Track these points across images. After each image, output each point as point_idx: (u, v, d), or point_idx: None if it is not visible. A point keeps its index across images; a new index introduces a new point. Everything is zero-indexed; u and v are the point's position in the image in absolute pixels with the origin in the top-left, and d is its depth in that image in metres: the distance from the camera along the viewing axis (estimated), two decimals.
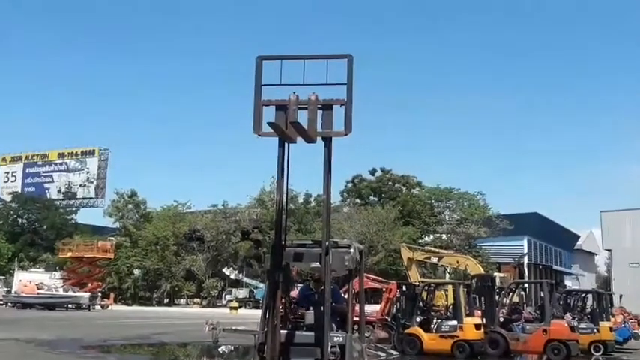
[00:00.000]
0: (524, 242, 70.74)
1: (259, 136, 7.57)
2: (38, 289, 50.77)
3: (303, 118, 7.36)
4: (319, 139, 7.56)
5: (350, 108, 7.47)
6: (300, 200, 68.21)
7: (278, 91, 7.56)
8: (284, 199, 7.90)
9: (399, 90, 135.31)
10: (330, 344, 7.55)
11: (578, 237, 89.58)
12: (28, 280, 53.87)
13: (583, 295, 26.59)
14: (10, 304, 49.56)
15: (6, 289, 55.31)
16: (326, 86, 7.55)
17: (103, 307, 52.55)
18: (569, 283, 73.78)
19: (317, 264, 7.84)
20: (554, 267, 78.53)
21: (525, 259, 68.91)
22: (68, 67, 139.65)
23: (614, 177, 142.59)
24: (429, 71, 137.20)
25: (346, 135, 7.50)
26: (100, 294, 56.03)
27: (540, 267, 73.34)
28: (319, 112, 7.52)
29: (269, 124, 7.36)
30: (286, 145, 7.59)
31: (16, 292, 52.15)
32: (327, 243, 7.73)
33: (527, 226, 69.02)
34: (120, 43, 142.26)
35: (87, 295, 51.38)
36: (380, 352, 19.57)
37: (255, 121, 7.56)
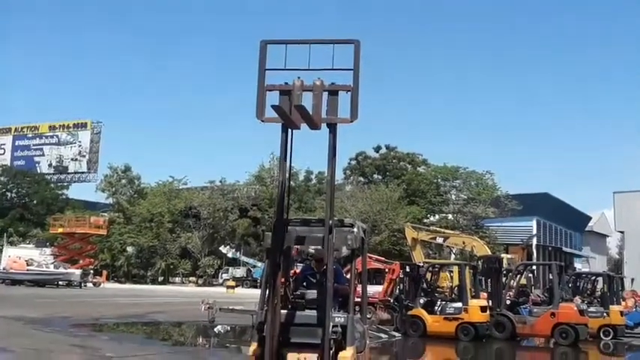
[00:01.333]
0: (534, 223, 70.77)
1: (263, 121, 7.56)
2: (28, 265, 50.92)
3: (307, 103, 7.35)
4: (324, 125, 7.56)
5: (356, 94, 7.46)
6: (301, 178, 68.22)
7: (282, 76, 7.54)
8: (287, 184, 7.90)
9: (405, 66, 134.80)
10: (331, 324, 7.62)
11: (589, 218, 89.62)
12: (18, 256, 53.94)
13: (593, 278, 26.74)
14: None
15: None
16: (332, 72, 7.53)
17: (95, 284, 52.82)
18: (579, 265, 74.03)
19: (319, 246, 7.89)
20: (564, 249, 78.71)
21: (534, 241, 68.98)
22: (59, 35, 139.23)
23: (628, 157, 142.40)
24: (436, 47, 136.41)
25: (352, 122, 7.50)
26: (92, 271, 56.37)
27: (550, 249, 73.48)
28: (324, 98, 7.51)
29: (273, 107, 7.35)
30: (289, 130, 7.60)
31: (4, 269, 52.27)
32: (330, 222, 7.76)
33: (537, 207, 69.00)
34: (114, 13, 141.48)
35: (78, 272, 51.62)
36: (382, 334, 19.73)
37: (258, 106, 7.55)
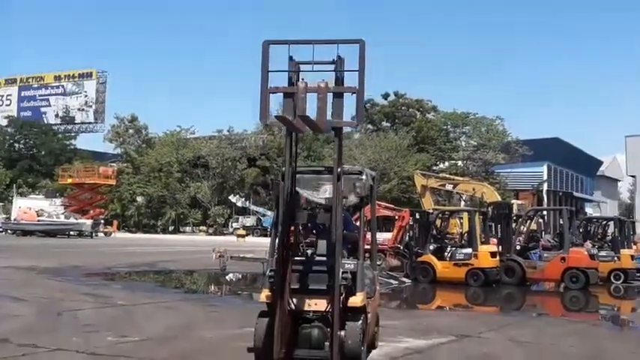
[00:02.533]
0: (544, 169, 70.72)
1: (267, 124, 7.55)
2: (38, 216, 51.40)
3: (311, 101, 7.25)
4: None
5: (361, 96, 7.32)
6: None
7: (285, 76, 7.40)
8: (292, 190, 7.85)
9: (414, 12, 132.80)
10: (341, 271, 7.70)
11: (601, 163, 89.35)
12: (28, 206, 54.43)
13: (604, 222, 26.77)
14: (9, 231, 50.42)
15: (5, 216, 56.16)
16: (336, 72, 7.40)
17: (106, 234, 53.38)
18: (590, 210, 74.16)
19: (328, 194, 7.93)
20: (575, 194, 78.70)
21: (545, 186, 69.06)
22: None
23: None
24: None
25: (357, 126, 7.44)
26: (102, 221, 56.78)
27: (560, 194, 73.49)
28: (329, 101, 7.40)
29: (276, 117, 7.29)
30: (294, 134, 7.54)
31: (15, 220, 52.85)
32: (338, 170, 7.78)
33: (548, 152, 68.79)
34: None
35: (89, 222, 52.12)
36: (392, 280, 19.93)
37: (261, 109, 7.47)
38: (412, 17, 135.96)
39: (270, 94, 7.33)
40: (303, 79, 7.33)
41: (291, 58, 7.47)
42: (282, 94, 7.34)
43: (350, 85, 7.38)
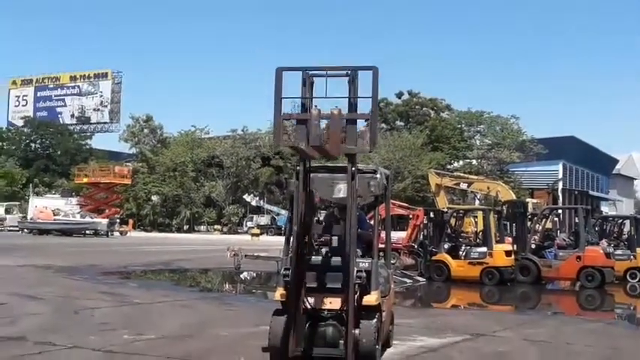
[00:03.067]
0: (560, 167, 70.33)
1: (282, 147, 7.62)
2: (54, 215, 51.66)
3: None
4: None
5: (375, 123, 7.46)
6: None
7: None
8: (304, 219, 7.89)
9: (427, 11, 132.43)
10: (355, 270, 7.72)
11: (617, 161, 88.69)
12: (44, 206, 54.73)
13: (620, 221, 26.62)
14: (25, 230, 50.61)
15: (21, 215, 56.37)
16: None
17: (121, 233, 53.54)
18: (605, 209, 73.65)
19: (342, 194, 7.95)
20: (591, 192, 78.23)
21: (560, 185, 68.55)
22: None
23: None
24: None
25: (370, 152, 7.50)
26: (118, 220, 56.90)
27: (576, 193, 73.03)
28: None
29: (290, 147, 7.43)
30: (307, 160, 7.62)
31: (31, 219, 53.09)
32: (352, 169, 7.80)
33: (563, 151, 68.41)
34: None
35: (105, 221, 52.27)
36: (406, 279, 19.91)
37: (276, 134, 7.53)
38: (426, 14, 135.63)
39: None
40: (316, 106, 7.38)
41: (304, 82, 7.55)
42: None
43: (363, 112, 7.45)
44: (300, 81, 7.45)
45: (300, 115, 7.45)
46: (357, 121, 7.44)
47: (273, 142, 7.63)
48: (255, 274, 21.85)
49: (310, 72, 7.44)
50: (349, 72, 7.38)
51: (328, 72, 7.47)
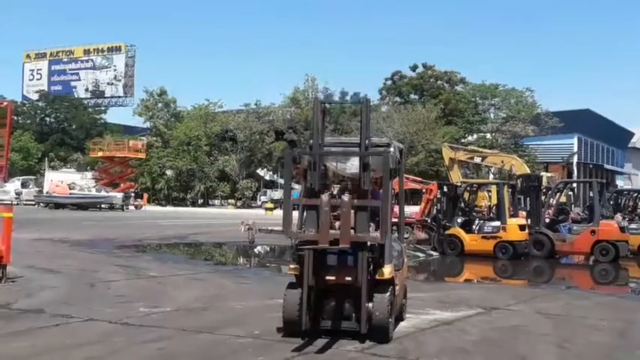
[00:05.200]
0: (575, 140, 69.76)
1: (290, 236, 7.81)
2: (70, 189, 51.90)
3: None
4: None
5: (386, 211, 7.56)
6: (336, 98, 67.85)
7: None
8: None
9: None
10: (369, 243, 7.73)
11: (632, 134, 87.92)
12: (60, 180, 54.90)
13: (635, 194, 26.50)
14: (41, 204, 50.95)
15: (37, 189, 56.62)
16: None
17: (136, 207, 53.84)
18: (620, 182, 73.18)
19: (355, 168, 7.95)
20: (606, 166, 77.75)
21: (575, 158, 68.19)
22: None
23: None
24: None
25: (381, 240, 7.55)
26: (133, 194, 57.18)
27: (591, 166, 72.60)
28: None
29: (301, 248, 7.59)
30: (324, 108, 7.79)
31: (47, 193, 53.36)
32: (366, 142, 7.78)
33: (578, 124, 67.79)
34: None
35: (120, 195, 52.55)
36: (419, 253, 19.94)
37: (285, 221, 7.77)
38: None
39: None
40: (326, 194, 7.55)
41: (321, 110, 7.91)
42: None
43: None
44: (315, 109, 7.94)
45: (309, 200, 7.63)
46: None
47: (282, 228, 7.80)
48: (268, 248, 21.95)
49: (324, 102, 7.87)
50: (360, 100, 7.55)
51: (338, 103, 7.83)
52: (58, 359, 7.05)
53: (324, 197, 7.51)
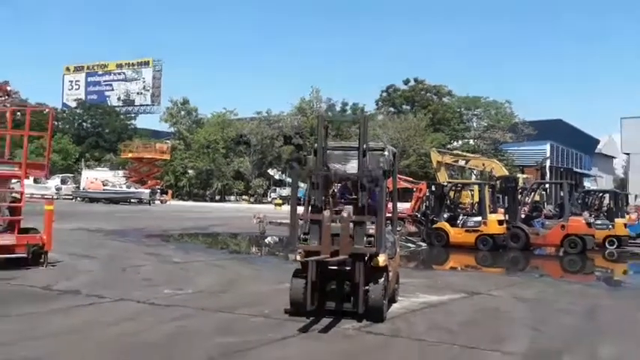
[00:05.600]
0: (547, 147, 69.58)
1: (296, 250, 7.81)
2: (104, 185, 51.96)
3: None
4: None
5: (380, 230, 7.60)
6: (338, 108, 67.92)
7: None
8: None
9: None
10: (365, 235, 7.74)
11: (598, 142, 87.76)
12: (94, 177, 55.03)
13: (600, 194, 26.45)
14: (78, 198, 51.06)
15: (75, 185, 56.75)
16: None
17: (162, 202, 53.79)
18: (588, 184, 72.90)
19: (354, 169, 7.99)
20: (575, 169, 77.49)
21: (547, 162, 68.07)
22: None
23: (636, 83, 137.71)
24: None
25: (377, 255, 7.60)
26: (159, 190, 57.18)
27: (561, 169, 72.41)
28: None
29: (303, 262, 7.65)
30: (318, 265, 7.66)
31: (83, 188, 53.52)
32: (364, 147, 7.80)
33: (551, 132, 67.67)
34: None
35: (147, 191, 52.49)
36: (410, 244, 19.95)
37: (291, 239, 7.85)
38: (430, 9, 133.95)
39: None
40: (328, 210, 7.70)
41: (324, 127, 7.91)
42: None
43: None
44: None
45: (313, 215, 7.68)
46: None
47: (288, 244, 7.97)
48: (277, 239, 21.95)
49: (325, 119, 8.10)
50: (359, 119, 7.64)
51: (338, 121, 7.92)
52: (92, 335, 7.07)
53: (326, 214, 7.61)
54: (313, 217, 7.69)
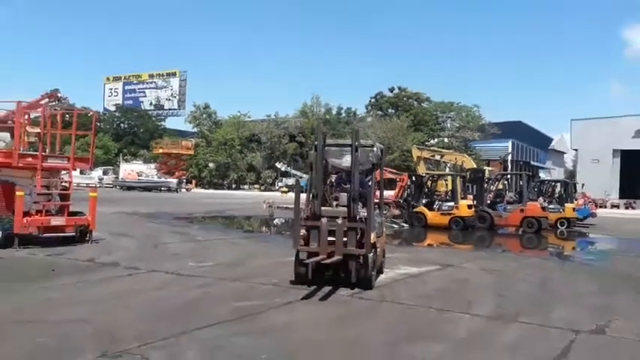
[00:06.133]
0: (509, 144, 69.36)
1: (299, 250, 7.77)
2: (138, 176, 52.06)
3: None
4: None
5: (369, 235, 7.58)
6: (334, 112, 67.71)
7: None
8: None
9: (413, 18, 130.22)
10: (357, 217, 7.74)
11: (551, 140, 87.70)
12: (131, 169, 55.17)
13: (553, 183, 26.49)
14: (117, 187, 51.09)
15: (114, 176, 56.85)
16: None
17: (187, 190, 53.79)
18: (543, 175, 72.75)
19: (348, 162, 7.98)
20: (532, 163, 77.27)
21: (509, 157, 67.91)
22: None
23: (584, 90, 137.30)
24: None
25: (365, 254, 7.60)
26: (184, 180, 57.23)
27: (521, 163, 72.20)
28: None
29: (302, 263, 7.72)
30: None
31: (122, 178, 53.61)
32: (356, 144, 7.80)
33: (512, 132, 67.57)
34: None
35: (175, 181, 52.57)
36: (394, 225, 19.97)
37: (294, 240, 7.77)
38: (412, 21, 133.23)
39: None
40: (326, 220, 7.60)
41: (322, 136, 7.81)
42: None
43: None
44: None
45: (313, 222, 7.67)
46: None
47: (293, 246, 7.80)
48: (284, 220, 21.98)
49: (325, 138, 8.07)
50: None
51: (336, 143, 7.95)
52: (129, 299, 7.09)
53: (324, 220, 7.59)
54: (313, 224, 7.66)
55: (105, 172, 56.26)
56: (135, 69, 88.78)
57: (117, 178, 55.28)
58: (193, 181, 61.10)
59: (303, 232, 7.71)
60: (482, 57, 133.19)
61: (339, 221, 7.57)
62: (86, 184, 36.24)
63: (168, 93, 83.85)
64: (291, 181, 63.37)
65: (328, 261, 7.45)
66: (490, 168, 38.32)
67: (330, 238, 7.56)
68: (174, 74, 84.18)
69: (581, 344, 5.75)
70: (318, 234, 7.57)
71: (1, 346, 5.04)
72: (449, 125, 65.72)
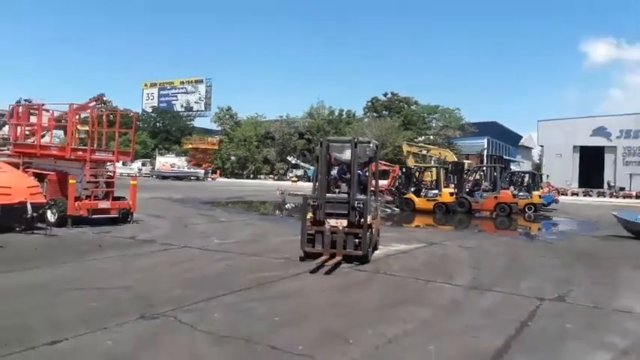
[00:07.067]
0: (485, 141, 68.99)
1: (305, 250, 7.71)
2: (171, 167, 52.18)
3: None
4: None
5: (365, 239, 7.55)
6: (336, 113, 67.51)
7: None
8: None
9: (406, 32, 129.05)
10: (356, 202, 7.73)
11: (521, 137, 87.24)
12: (165, 161, 55.29)
13: (522, 174, 26.36)
14: (154, 176, 51.30)
15: (151, 167, 57.05)
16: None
17: (212, 179, 53.93)
18: (514, 167, 72.34)
19: (349, 156, 7.96)
20: (505, 157, 76.82)
21: (485, 152, 67.65)
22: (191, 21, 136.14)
23: (549, 95, 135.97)
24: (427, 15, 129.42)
25: (362, 255, 7.59)
26: (210, 171, 57.34)
27: (495, 157, 71.81)
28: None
29: (306, 252, 7.68)
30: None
31: (157, 169, 53.75)
32: (355, 140, 7.78)
33: (488, 130, 67.26)
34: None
35: (202, 171, 52.73)
36: (387, 209, 19.94)
37: (302, 241, 7.72)
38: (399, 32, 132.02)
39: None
40: (328, 222, 7.59)
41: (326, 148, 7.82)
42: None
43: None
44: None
45: (318, 227, 7.63)
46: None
47: (300, 247, 7.79)
48: (294, 205, 21.98)
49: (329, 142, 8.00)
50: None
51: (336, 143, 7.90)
52: (165, 270, 7.14)
53: (327, 226, 7.57)
54: (317, 229, 7.65)
55: (143, 164, 56.37)
56: (168, 77, 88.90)
57: (153, 169, 55.40)
58: (218, 172, 61.17)
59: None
60: (465, 65, 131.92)
61: (340, 227, 7.56)
62: (127, 173, 36.33)
63: (196, 97, 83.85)
64: (300, 172, 63.55)
65: (331, 261, 7.44)
66: (469, 161, 38.19)
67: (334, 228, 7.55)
68: (201, 81, 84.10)
69: (545, 310, 5.75)
70: (322, 238, 7.60)
71: (61, 309, 5.10)
72: (434, 125, 65.44)
